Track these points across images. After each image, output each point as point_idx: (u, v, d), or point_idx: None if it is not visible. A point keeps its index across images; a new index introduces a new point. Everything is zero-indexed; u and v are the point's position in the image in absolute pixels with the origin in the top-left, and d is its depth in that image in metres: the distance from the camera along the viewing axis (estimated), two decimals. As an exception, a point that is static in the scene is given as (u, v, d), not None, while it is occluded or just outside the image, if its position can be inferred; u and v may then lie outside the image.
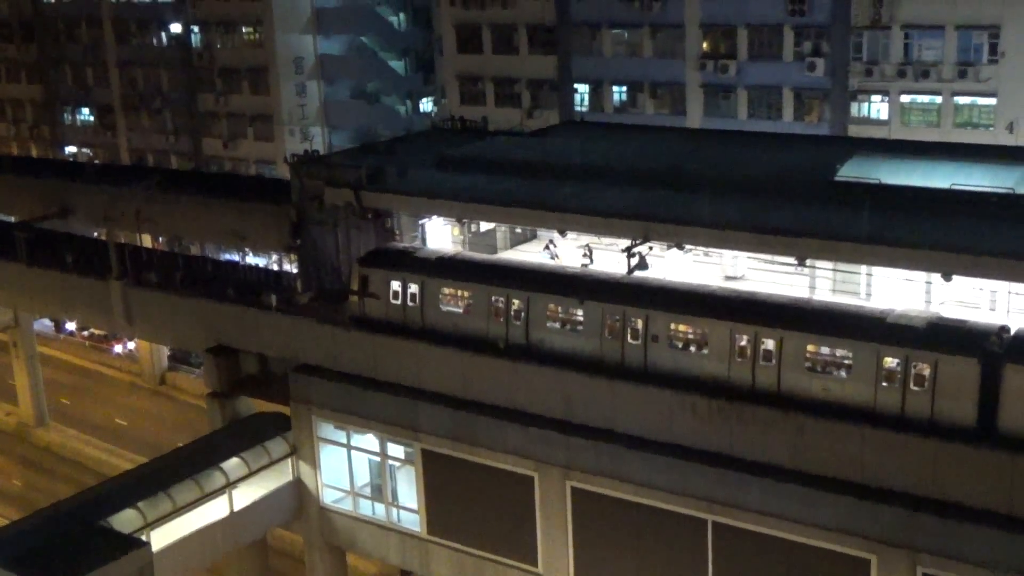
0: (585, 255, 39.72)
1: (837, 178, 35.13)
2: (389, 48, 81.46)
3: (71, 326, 71.68)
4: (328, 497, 39.39)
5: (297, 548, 46.34)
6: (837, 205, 33.72)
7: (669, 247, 35.41)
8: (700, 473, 31.01)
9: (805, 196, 34.75)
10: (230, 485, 37.41)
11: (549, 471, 33.83)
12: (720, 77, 61.14)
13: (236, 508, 37.78)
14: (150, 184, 47.68)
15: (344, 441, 38.53)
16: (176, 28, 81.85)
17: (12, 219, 61.29)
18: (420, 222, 41.87)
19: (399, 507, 38.00)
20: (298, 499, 39.73)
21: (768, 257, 34.45)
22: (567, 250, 40.57)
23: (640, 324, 32.59)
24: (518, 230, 42.91)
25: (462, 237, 42.17)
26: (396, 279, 37.09)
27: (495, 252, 42.17)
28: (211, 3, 79.76)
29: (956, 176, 33.84)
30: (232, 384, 42.28)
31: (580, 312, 33.79)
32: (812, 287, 35.01)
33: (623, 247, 35.20)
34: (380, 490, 38.48)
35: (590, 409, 33.08)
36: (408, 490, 37.70)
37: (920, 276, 32.53)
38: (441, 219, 41.51)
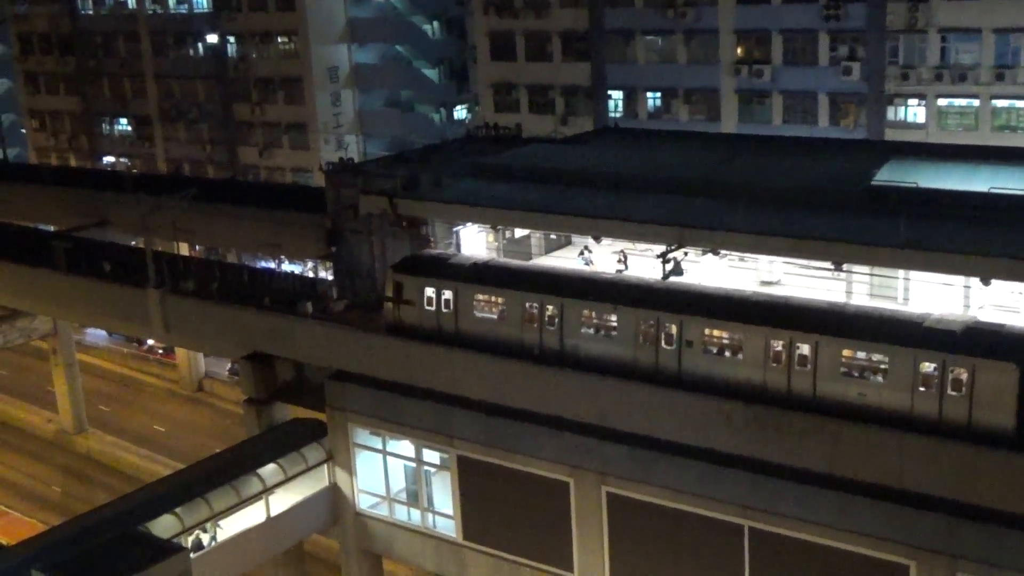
0: (620, 261, 39.69)
1: (874, 183, 35.02)
2: (423, 57, 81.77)
3: (152, 340, 72.44)
4: (364, 503, 39.50)
5: (333, 554, 46.49)
6: (874, 210, 33.60)
7: (704, 252, 35.36)
8: (736, 479, 30.87)
9: (842, 201, 34.65)
10: (267, 491, 37.58)
11: (584, 477, 33.79)
12: (755, 82, 60.97)
13: (273, 514, 37.96)
14: (187, 194, 48.04)
15: (380, 447, 38.65)
16: (212, 40, 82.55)
17: (51, 229, 62.09)
18: (455, 229, 41.98)
19: (435, 513, 38.05)
20: (334, 505, 39.87)
21: (804, 262, 34.28)
22: (602, 256, 40.54)
23: (674, 330, 32.49)
24: (553, 236, 42.93)
25: (497, 244, 42.24)
26: (430, 286, 37.11)
27: (530, 258, 42.19)
28: (247, 15, 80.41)
29: (994, 180, 33.63)
30: (268, 391, 42.50)
31: (614, 318, 33.73)
32: (849, 292, 34.83)
33: (658, 253, 35.17)
34: (416, 496, 38.55)
35: (625, 415, 33.00)
36: (444, 496, 37.75)
37: (958, 281, 32.34)
38: (476, 226, 41.60)
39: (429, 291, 37.13)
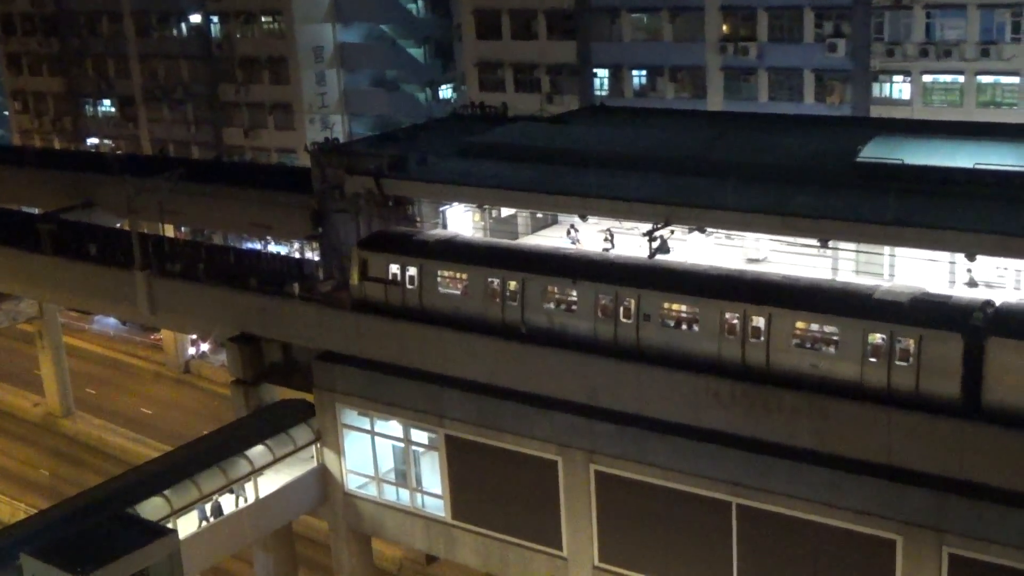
0: (607, 239, 39.69)
1: (859, 159, 35.03)
2: (408, 36, 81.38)
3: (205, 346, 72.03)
4: (353, 483, 39.56)
5: (323, 534, 46.56)
6: (860, 186, 33.65)
7: (691, 231, 35.40)
8: (724, 456, 30.98)
9: (827, 178, 34.67)
10: (255, 472, 37.59)
11: (573, 455, 33.87)
12: (740, 60, 60.85)
13: (261, 495, 37.98)
14: (173, 175, 47.83)
15: (368, 427, 38.66)
16: (196, 19, 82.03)
17: (36, 211, 61.79)
18: (441, 209, 41.90)
19: (424, 493, 38.12)
20: (323, 486, 39.91)
21: (791, 239, 34.36)
22: (589, 234, 40.53)
23: (632, 304, 32.84)
24: (539, 215, 42.90)
25: (483, 223, 42.19)
26: (395, 262, 37.45)
27: (516, 237, 42.17)
28: (231, -6, 79.97)
29: (979, 156, 33.67)
30: (256, 372, 42.44)
31: (574, 293, 34.05)
32: (835, 268, 34.91)
33: (645, 231, 35.21)
34: (404, 476, 38.61)
35: (614, 393, 33.06)
36: (432, 476, 37.80)
37: (944, 256, 32.44)
38: (462, 206, 41.52)
39: (394, 267, 37.43)
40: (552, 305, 34.63)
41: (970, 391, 28.18)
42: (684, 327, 32.31)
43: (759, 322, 30.73)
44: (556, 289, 34.52)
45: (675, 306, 32.52)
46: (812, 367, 30.07)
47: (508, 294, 35.17)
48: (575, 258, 36.12)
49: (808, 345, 30.41)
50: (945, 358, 28.29)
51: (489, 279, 35.59)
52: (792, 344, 30.46)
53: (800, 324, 30.43)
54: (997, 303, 29.50)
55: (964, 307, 29.22)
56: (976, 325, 28.34)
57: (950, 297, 30.28)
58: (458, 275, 36.49)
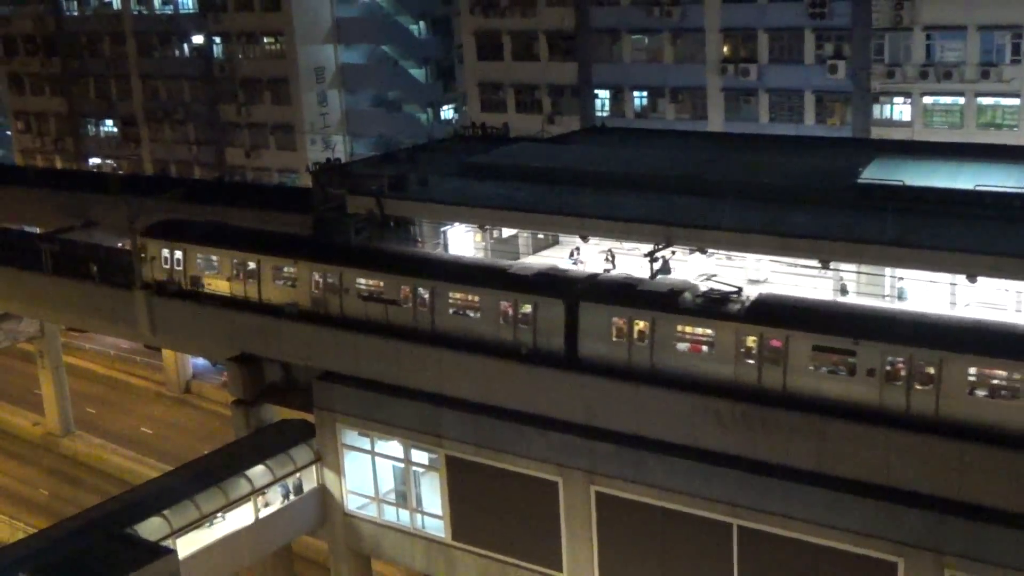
0: (608, 260, 39.74)
1: (860, 180, 35.12)
2: (409, 56, 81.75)
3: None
4: (353, 504, 39.44)
5: (322, 555, 46.44)
6: (860, 207, 33.71)
7: (692, 251, 35.46)
8: (725, 477, 30.89)
9: (828, 199, 34.74)
10: (255, 492, 37.50)
11: (573, 476, 33.79)
12: (741, 81, 61.09)
13: (261, 515, 37.88)
14: (174, 195, 48.02)
15: (368, 448, 38.59)
16: (198, 40, 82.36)
17: (37, 231, 61.83)
18: (442, 229, 41.96)
19: (424, 513, 38.01)
20: (323, 506, 39.80)
21: (792, 260, 34.40)
22: (592, 255, 40.56)
23: (336, 280, 38.73)
24: (540, 236, 42.95)
25: (484, 243, 42.25)
26: (165, 247, 43.88)
27: (518, 257, 42.20)
28: (232, 15, 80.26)
29: (980, 177, 33.76)
30: (256, 392, 42.38)
31: (294, 269, 40.23)
32: (835, 290, 34.94)
33: (646, 252, 35.28)
34: (405, 496, 38.51)
35: (614, 413, 33.00)
36: (432, 496, 37.71)
37: (945, 278, 32.47)
38: (464, 226, 41.57)
39: (165, 252, 43.90)
40: (281, 282, 40.81)
41: (571, 346, 33.45)
42: (380, 301, 37.96)
43: (426, 294, 36.65)
44: (285, 268, 40.58)
45: (371, 282, 38.41)
46: (464, 331, 35.72)
47: (249, 273, 41.40)
48: (300, 240, 43.07)
49: (461, 312, 36.12)
50: (552, 320, 33.81)
51: (233, 259, 41.85)
52: (450, 312, 36.25)
53: (454, 295, 36.26)
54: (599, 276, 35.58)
55: (573, 279, 35.05)
56: (576, 293, 33.55)
57: (567, 271, 36.48)
58: (212, 257, 42.91)
